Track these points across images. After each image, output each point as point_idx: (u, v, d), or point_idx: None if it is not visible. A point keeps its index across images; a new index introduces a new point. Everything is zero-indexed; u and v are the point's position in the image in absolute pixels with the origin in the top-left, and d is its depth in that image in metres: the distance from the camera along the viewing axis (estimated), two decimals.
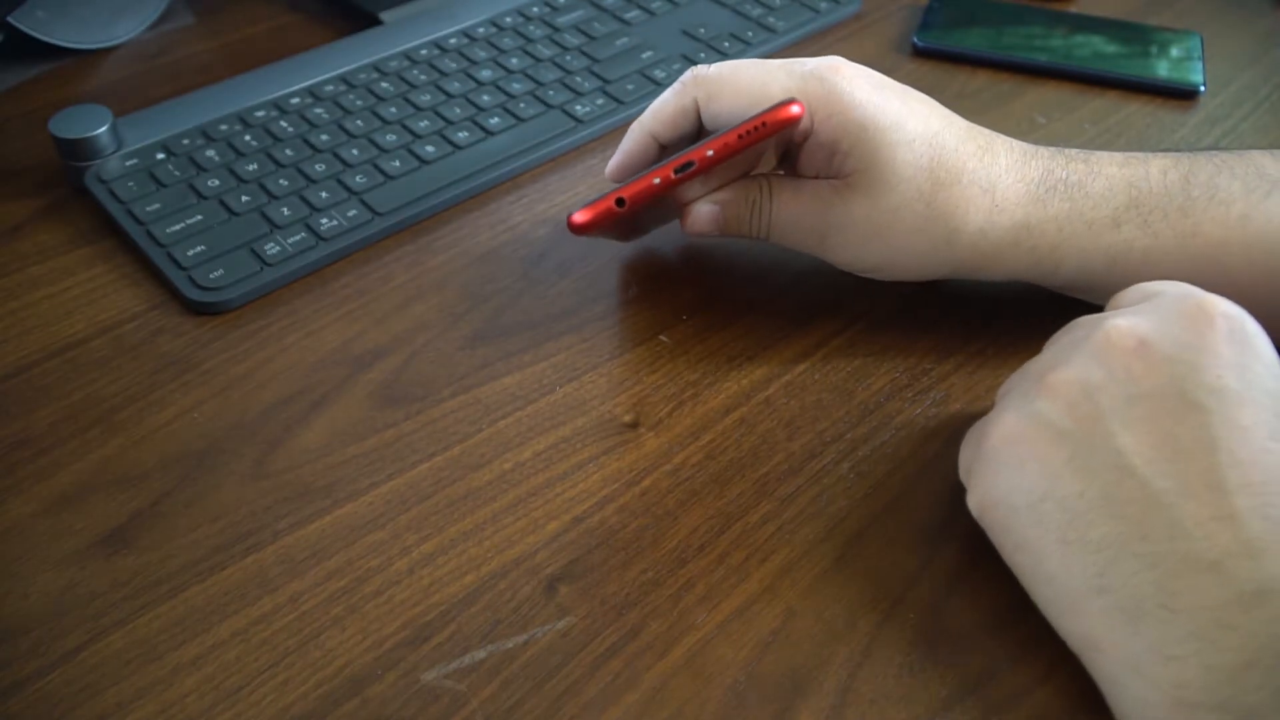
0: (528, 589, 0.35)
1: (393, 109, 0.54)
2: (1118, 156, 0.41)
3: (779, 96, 0.38)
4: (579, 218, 0.38)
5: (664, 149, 0.42)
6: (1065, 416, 0.31)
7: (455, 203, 0.50)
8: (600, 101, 0.55)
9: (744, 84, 0.39)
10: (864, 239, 0.40)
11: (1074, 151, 0.41)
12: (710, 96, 0.40)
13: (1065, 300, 0.44)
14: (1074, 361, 0.32)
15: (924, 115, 0.39)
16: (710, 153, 0.37)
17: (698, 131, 0.41)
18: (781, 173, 0.43)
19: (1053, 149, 0.41)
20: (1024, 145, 0.41)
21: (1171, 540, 0.28)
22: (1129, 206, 0.39)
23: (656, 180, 0.38)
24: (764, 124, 0.37)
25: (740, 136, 0.37)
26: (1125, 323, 0.32)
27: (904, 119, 0.38)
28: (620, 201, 0.38)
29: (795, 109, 0.36)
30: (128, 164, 0.50)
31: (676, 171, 0.37)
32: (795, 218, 0.40)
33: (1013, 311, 0.45)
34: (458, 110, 0.54)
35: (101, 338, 0.43)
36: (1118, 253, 0.39)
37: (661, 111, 0.41)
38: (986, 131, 0.41)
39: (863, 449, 0.39)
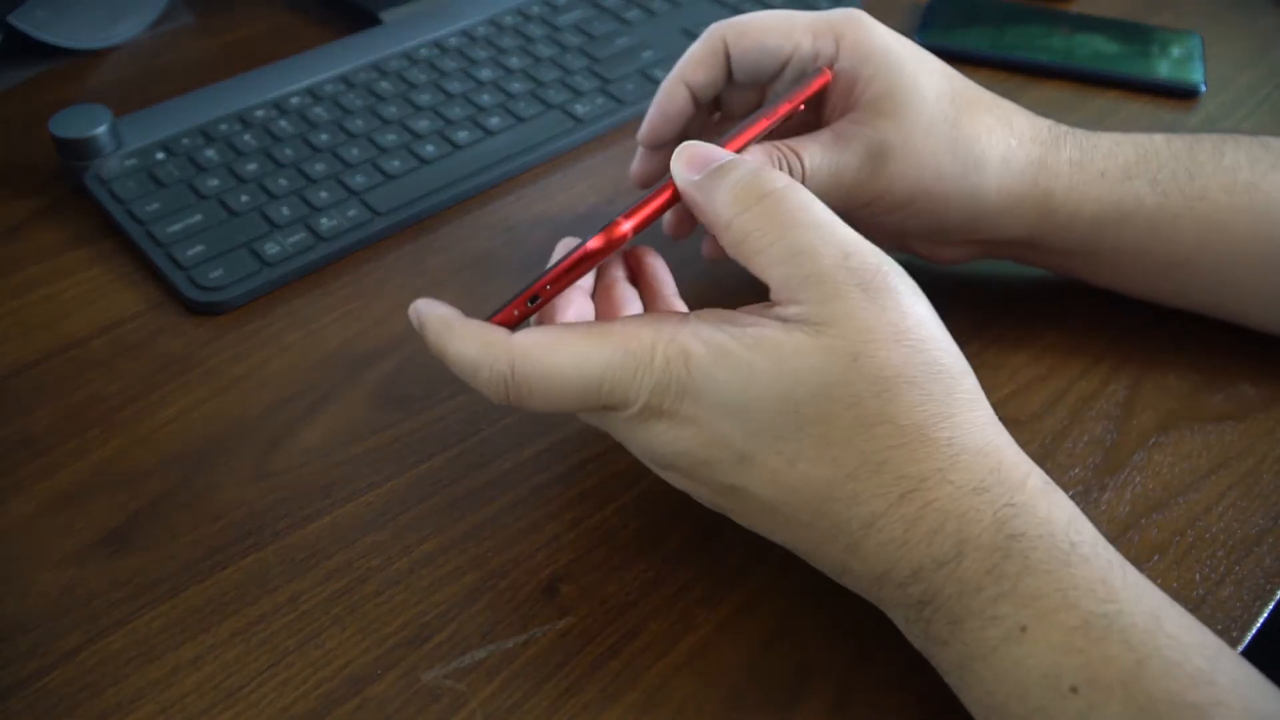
0: (528, 589, 0.35)
1: (393, 109, 0.54)
2: (1118, 133, 0.42)
3: (806, 28, 0.39)
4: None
5: (696, 102, 0.41)
6: None
7: (455, 203, 0.50)
8: (600, 101, 0.55)
9: (770, 20, 0.39)
10: (898, 166, 0.38)
11: None
12: (740, 34, 0.40)
13: (1063, 300, 0.44)
14: None
15: (935, 57, 0.40)
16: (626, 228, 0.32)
17: (727, 77, 0.41)
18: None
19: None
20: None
21: None
22: (1138, 162, 0.40)
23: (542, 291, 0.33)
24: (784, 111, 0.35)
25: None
26: None
27: (921, 53, 0.39)
28: (533, 299, 0.33)
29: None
30: (127, 164, 0.50)
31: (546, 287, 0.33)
32: (831, 165, 0.38)
33: (1012, 312, 0.45)
34: (458, 110, 0.54)
35: (101, 338, 0.43)
36: (1129, 207, 0.39)
37: (692, 57, 0.40)
38: None
39: None
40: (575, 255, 0.32)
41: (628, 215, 0.32)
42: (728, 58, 0.40)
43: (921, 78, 0.38)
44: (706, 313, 0.32)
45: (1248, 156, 0.40)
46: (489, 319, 0.33)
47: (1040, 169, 0.40)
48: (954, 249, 0.43)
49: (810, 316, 0.30)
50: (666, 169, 0.42)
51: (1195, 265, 0.40)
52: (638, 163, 0.43)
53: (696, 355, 0.30)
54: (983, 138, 0.39)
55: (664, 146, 0.42)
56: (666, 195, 0.33)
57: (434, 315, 0.33)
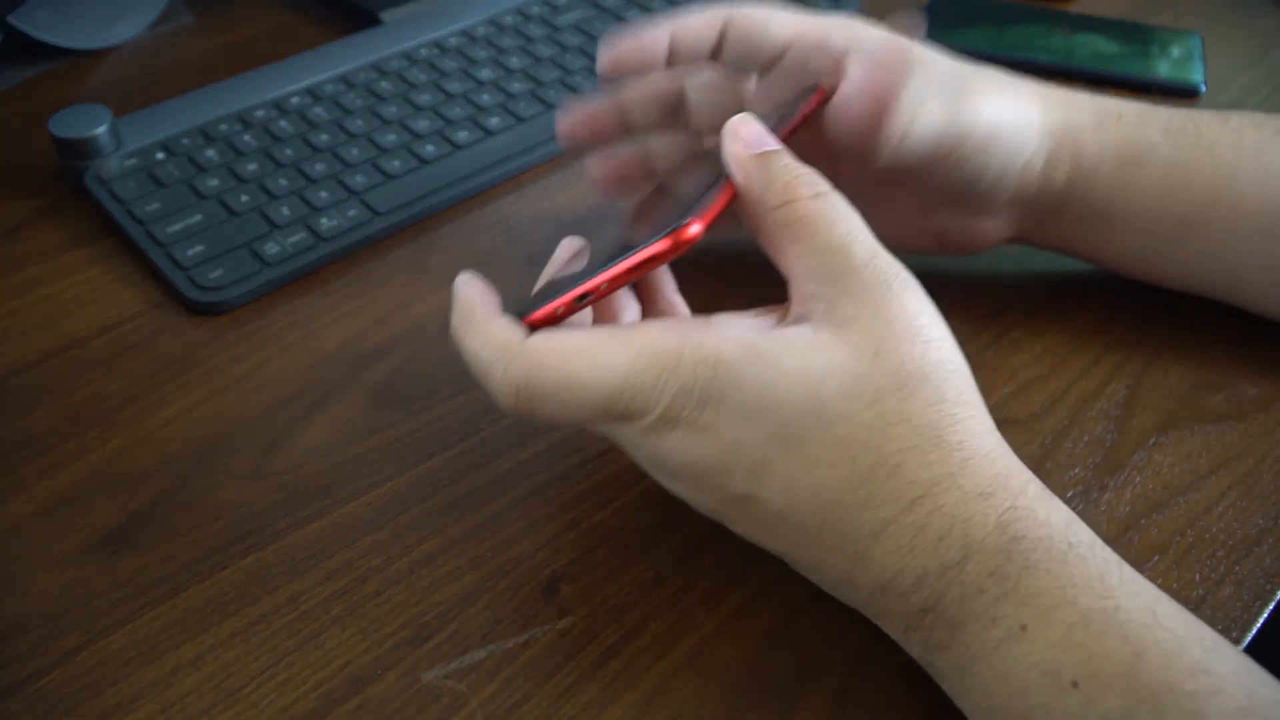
0: (528, 589, 0.35)
1: (393, 109, 0.54)
2: None
3: (808, 20, 0.38)
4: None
5: (670, 58, 0.40)
6: None
7: (455, 203, 0.50)
8: None
9: (774, 9, 0.39)
10: (963, 101, 0.38)
11: None
12: (744, 15, 0.39)
13: (1064, 300, 0.44)
14: None
15: None
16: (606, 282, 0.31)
17: (710, 53, 0.40)
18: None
19: None
20: None
21: None
22: (1146, 112, 0.41)
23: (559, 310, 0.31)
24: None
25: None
26: None
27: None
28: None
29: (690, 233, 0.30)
30: (127, 164, 0.50)
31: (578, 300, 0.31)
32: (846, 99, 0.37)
33: (1012, 312, 0.45)
34: (458, 110, 0.54)
35: (101, 338, 0.43)
36: (1145, 152, 0.40)
37: (687, 15, 0.39)
38: None
39: None
40: (639, 257, 0.30)
41: (697, 217, 0.30)
42: (721, 35, 0.39)
43: (926, 52, 0.38)
44: (726, 316, 0.32)
45: (1251, 123, 0.40)
46: (528, 317, 0.31)
47: (1067, 108, 0.40)
48: (994, 220, 0.41)
49: (833, 313, 0.30)
50: (605, 127, 0.41)
51: (1206, 225, 0.40)
52: (570, 118, 0.41)
53: (726, 358, 0.29)
54: (1006, 82, 0.40)
55: (616, 79, 0.40)
56: (728, 194, 0.32)
57: (461, 299, 0.32)
